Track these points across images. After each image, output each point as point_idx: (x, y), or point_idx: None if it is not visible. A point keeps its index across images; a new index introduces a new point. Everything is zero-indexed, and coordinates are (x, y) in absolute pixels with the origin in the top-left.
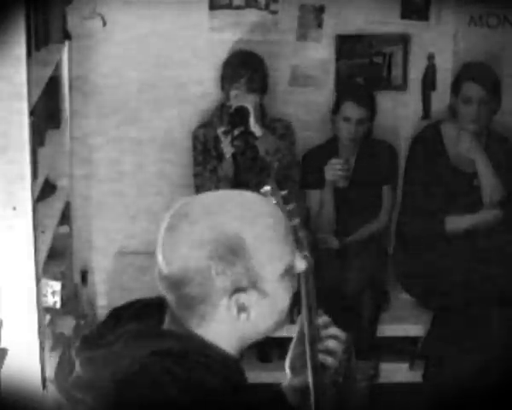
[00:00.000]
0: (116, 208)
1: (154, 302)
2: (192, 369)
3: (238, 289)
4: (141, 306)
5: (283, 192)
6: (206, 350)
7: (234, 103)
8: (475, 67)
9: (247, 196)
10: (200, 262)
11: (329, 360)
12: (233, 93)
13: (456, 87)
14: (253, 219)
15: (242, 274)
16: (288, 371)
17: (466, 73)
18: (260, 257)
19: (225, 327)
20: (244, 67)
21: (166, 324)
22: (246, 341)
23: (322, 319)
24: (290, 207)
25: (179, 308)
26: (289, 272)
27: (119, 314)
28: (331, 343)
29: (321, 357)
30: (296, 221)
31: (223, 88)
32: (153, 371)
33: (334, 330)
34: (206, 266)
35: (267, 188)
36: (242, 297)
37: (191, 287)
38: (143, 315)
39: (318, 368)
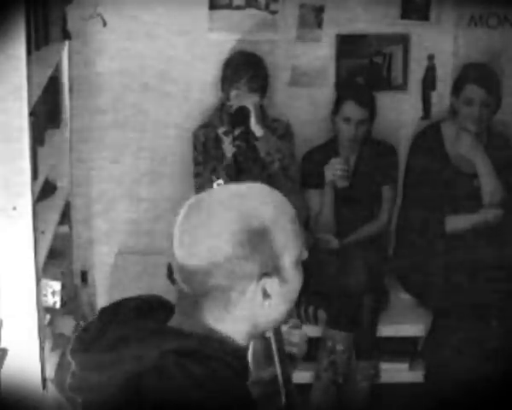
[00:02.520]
0: (116, 208)
1: (151, 300)
2: (209, 366)
3: (265, 274)
4: (137, 304)
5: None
6: (222, 346)
7: (234, 104)
8: (477, 69)
9: (258, 186)
10: (229, 250)
11: (295, 350)
12: (233, 93)
13: (457, 88)
14: (272, 208)
15: (268, 259)
16: (251, 365)
17: (468, 74)
18: (280, 244)
19: (244, 317)
20: (245, 68)
21: (173, 321)
22: (258, 332)
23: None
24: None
25: (202, 300)
26: (299, 260)
27: (113, 313)
28: (293, 335)
29: (287, 348)
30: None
31: (223, 88)
32: (168, 371)
33: (294, 322)
34: (235, 254)
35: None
36: (268, 283)
37: (219, 276)
38: (142, 314)
39: (285, 359)
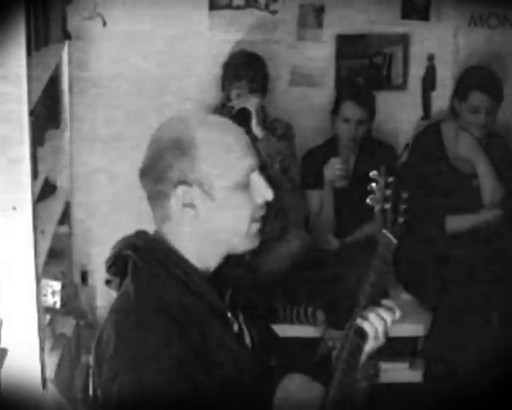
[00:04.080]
0: (116, 208)
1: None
2: (151, 263)
3: (181, 182)
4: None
5: (390, 178)
6: (164, 249)
7: (235, 104)
8: (482, 75)
9: (214, 116)
10: (160, 154)
11: (366, 325)
12: (234, 93)
13: (462, 93)
14: (210, 127)
15: (188, 170)
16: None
17: (473, 80)
18: (210, 161)
19: (183, 226)
20: (245, 68)
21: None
22: (205, 247)
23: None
24: (388, 192)
25: (151, 205)
26: (242, 187)
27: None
28: (373, 313)
29: (359, 321)
30: (389, 205)
31: (223, 88)
32: (120, 261)
33: (388, 303)
34: (162, 158)
35: (375, 172)
36: (186, 191)
37: (152, 179)
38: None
39: (352, 329)
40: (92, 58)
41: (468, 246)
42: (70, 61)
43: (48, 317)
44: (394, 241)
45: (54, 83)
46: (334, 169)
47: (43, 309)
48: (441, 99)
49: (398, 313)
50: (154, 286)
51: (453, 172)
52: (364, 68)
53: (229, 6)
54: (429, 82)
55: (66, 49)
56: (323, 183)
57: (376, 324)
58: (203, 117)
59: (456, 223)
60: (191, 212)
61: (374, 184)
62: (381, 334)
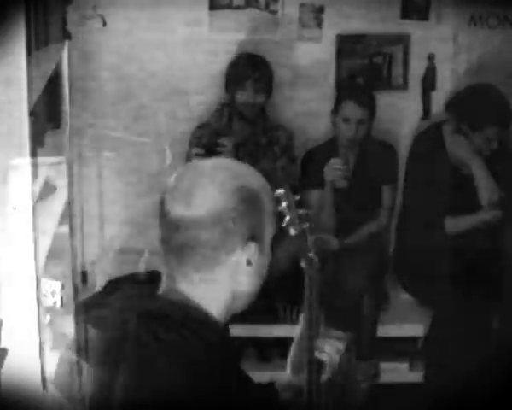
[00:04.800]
0: (116, 208)
1: (153, 273)
2: (179, 333)
3: (253, 238)
4: (136, 276)
5: (297, 197)
6: (195, 314)
7: (239, 105)
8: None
9: (241, 163)
10: (226, 204)
11: (324, 357)
12: (239, 95)
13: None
14: (260, 179)
15: (256, 224)
16: (288, 369)
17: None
18: (266, 214)
19: (224, 282)
20: (251, 69)
21: (161, 289)
22: (234, 306)
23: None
24: (301, 211)
25: (187, 257)
26: (272, 241)
27: (115, 285)
28: (326, 343)
29: (317, 354)
30: (306, 225)
31: (227, 89)
32: (140, 334)
33: (336, 333)
34: (231, 209)
35: (281, 191)
36: (253, 248)
37: (213, 231)
38: (138, 283)
39: (314, 365)
40: (92, 58)
41: (467, 246)
42: (70, 61)
43: (48, 317)
44: (318, 263)
45: (54, 83)
46: (334, 169)
47: (43, 309)
48: (441, 99)
49: (344, 343)
50: (182, 351)
51: (453, 172)
52: (364, 68)
53: (229, 6)
54: (429, 82)
55: (66, 49)
56: (323, 183)
57: (334, 354)
58: (251, 169)
59: (456, 224)
60: (248, 269)
61: (284, 205)
62: (337, 362)
